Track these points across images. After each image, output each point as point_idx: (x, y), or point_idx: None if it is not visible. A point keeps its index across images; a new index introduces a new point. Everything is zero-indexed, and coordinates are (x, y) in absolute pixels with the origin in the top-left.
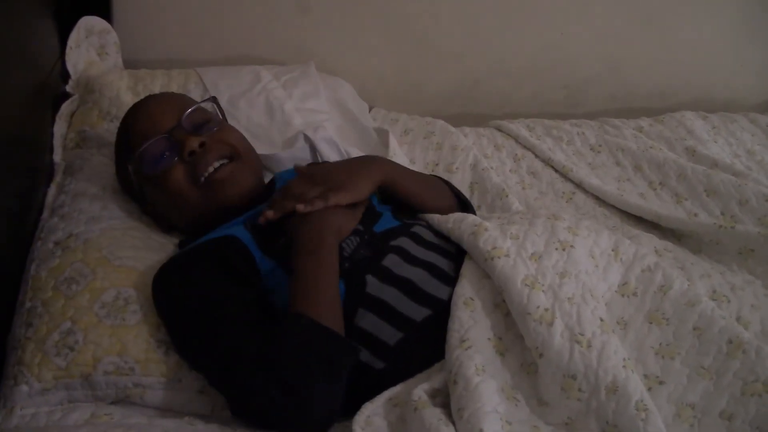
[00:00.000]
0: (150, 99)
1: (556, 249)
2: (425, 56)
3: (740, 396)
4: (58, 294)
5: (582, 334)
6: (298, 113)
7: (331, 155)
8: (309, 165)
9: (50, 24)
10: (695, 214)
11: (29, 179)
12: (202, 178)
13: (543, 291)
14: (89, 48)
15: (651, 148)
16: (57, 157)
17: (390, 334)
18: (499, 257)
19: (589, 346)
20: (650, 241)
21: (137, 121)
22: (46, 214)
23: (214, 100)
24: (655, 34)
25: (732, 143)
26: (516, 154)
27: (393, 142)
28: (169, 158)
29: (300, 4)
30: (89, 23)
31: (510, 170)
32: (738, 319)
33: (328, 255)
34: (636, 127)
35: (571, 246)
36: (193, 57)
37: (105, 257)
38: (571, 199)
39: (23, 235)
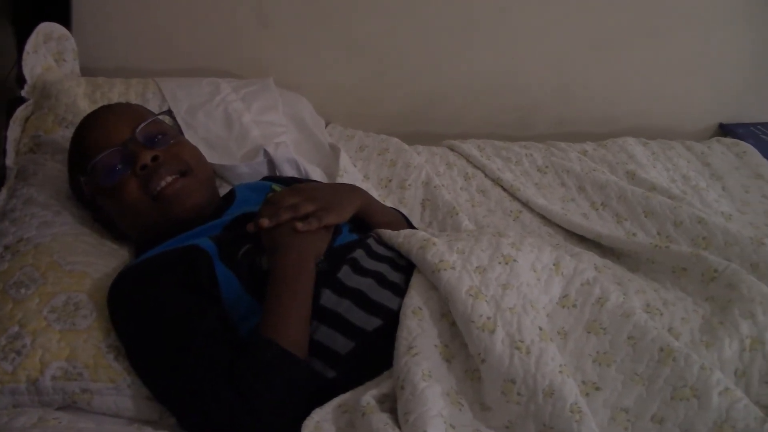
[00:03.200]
0: (105, 109)
1: (500, 263)
2: (381, 75)
3: (670, 400)
4: (6, 298)
5: (522, 341)
6: (255, 126)
7: (290, 173)
8: (297, 183)
9: (8, 29)
10: (634, 234)
11: None
12: (155, 192)
13: (486, 301)
14: (47, 53)
15: (594, 170)
16: (9, 161)
17: (342, 344)
18: (445, 269)
19: (528, 352)
20: (591, 258)
21: (91, 132)
22: None
23: (169, 113)
24: (601, 62)
25: (669, 168)
26: (467, 173)
27: (344, 159)
28: (122, 171)
29: (260, 19)
30: (48, 29)
31: (461, 188)
32: (669, 330)
33: (308, 281)
34: (581, 151)
35: (514, 260)
36: (152, 67)
37: (56, 262)
38: (518, 217)
39: None
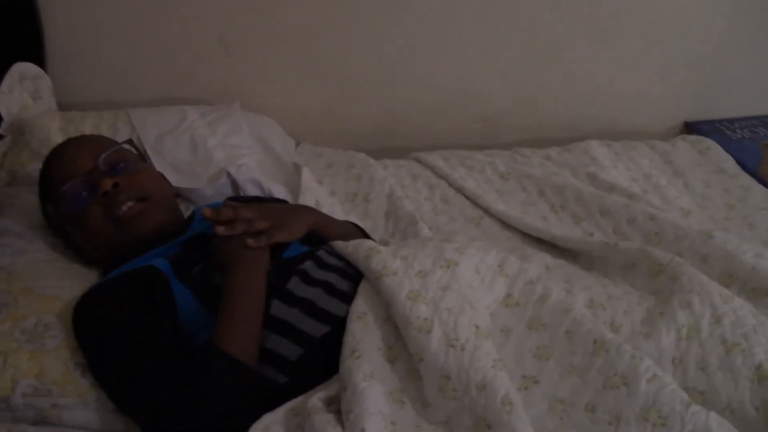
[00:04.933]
0: (68, 142)
1: (441, 267)
2: (345, 93)
3: (602, 389)
4: None
5: (456, 339)
6: (220, 149)
7: (254, 193)
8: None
9: None
10: (591, 234)
11: None
12: (116, 217)
13: (425, 303)
14: (23, 93)
15: (555, 174)
16: None
17: (291, 351)
18: (387, 275)
19: (463, 349)
20: (542, 258)
21: (56, 164)
22: None
23: (130, 142)
24: (558, 69)
25: (631, 168)
26: (431, 184)
27: (306, 177)
28: (85, 198)
29: (223, 47)
30: (22, 69)
31: (425, 198)
32: (611, 323)
33: (257, 293)
34: (545, 156)
35: (456, 264)
36: (125, 98)
37: (28, 287)
38: (479, 223)
39: None
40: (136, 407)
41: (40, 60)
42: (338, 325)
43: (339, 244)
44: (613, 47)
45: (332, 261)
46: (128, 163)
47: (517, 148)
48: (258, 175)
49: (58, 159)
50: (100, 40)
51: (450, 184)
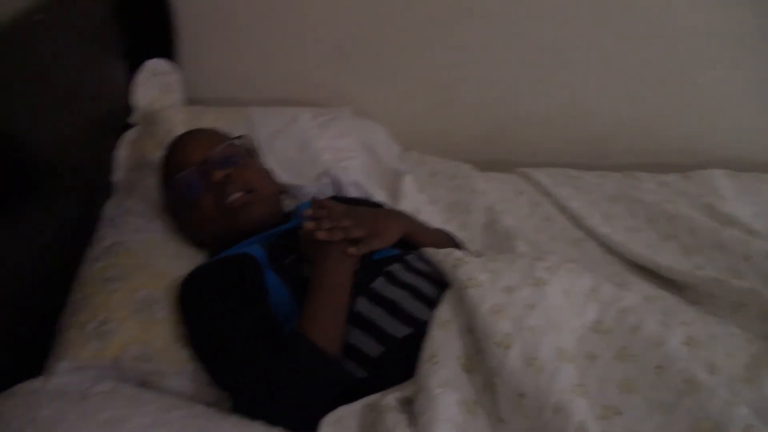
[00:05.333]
0: (187, 134)
1: (530, 284)
2: (454, 104)
3: (687, 430)
4: (100, 290)
5: (535, 359)
6: (327, 150)
7: (354, 194)
8: (348, 204)
9: (121, 65)
10: (702, 268)
11: (91, 194)
12: (224, 205)
13: (508, 319)
14: (155, 86)
15: (667, 202)
16: (117, 177)
17: (373, 348)
18: (472, 287)
19: (542, 369)
20: (642, 287)
21: (175, 153)
22: (101, 224)
23: (243, 138)
24: (682, 92)
25: (757, 203)
26: (535, 200)
27: (406, 184)
28: (199, 187)
29: (340, 52)
30: (155, 65)
31: (526, 215)
32: (710, 364)
33: (345, 292)
34: (660, 182)
35: (546, 283)
36: (245, 96)
37: (142, 263)
38: (580, 245)
39: (82, 241)
40: (227, 382)
41: (172, 57)
42: (421, 329)
43: (429, 251)
44: (744, 73)
45: (420, 266)
46: (239, 157)
47: (631, 172)
48: (360, 178)
49: (177, 148)
50: (227, 42)
51: (554, 203)
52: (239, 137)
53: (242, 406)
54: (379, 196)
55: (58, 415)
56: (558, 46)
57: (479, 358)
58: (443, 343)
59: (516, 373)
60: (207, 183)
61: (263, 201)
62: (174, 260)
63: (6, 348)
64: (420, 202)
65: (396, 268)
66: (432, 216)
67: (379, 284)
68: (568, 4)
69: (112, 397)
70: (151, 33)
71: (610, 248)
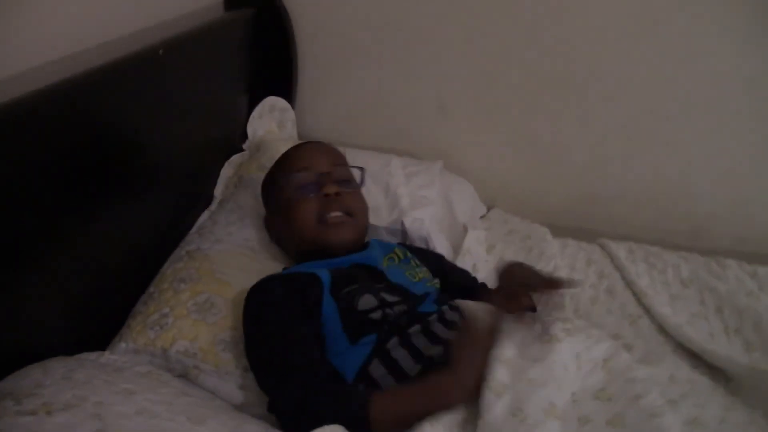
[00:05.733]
0: (317, 143)
1: (542, 341)
2: (545, 169)
3: None
4: (171, 287)
5: (521, 410)
6: (407, 197)
7: (419, 245)
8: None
9: (244, 98)
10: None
11: (194, 203)
12: (324, 217)
13: (509, 368)
14: (271, 120)
15: (747, 294)
16: (218, 192)
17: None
18: None
19: (523, 420)
20: (674, 366)
21: (300, 155)
22: (192, 231)
23: (361, 169)
24: None
25: None
26: (603, 272)
27: (469, 241)
28: (311, 191)
29: (441, 110)
30: (273, 102)
31: (589, 285)
32: None
33: (440, 406)
34: (750, 272)
35: (558, 341)
36: (350, 140)
37: (212, 269)
38: (635, 322)
39: (173, 243)
40: (271, 389)
41: (290, 97)
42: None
43: (464, 303)
44: None
45: (454, 318)
46: (351, 181)
47: (720, 258)
48: (427, 232)
49: (303, 151)
50: (340, 88)
51: (623, 277)
52: (360, 167)
53: (273, 409)
54: (442, 247)
55: (87, 378)
56: (659, 121)
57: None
58: None
59: (498, 422)
60: (318, 191)
61: (355, 228)
62: (240, 272)
63: (96, 322)
64: (480, 259)
65: (433, 323)
66: (491, 273)
67: (414, 330)
68: (680, 76)
69: (141, 376)
70: (275, 73)
71: (663, 329)
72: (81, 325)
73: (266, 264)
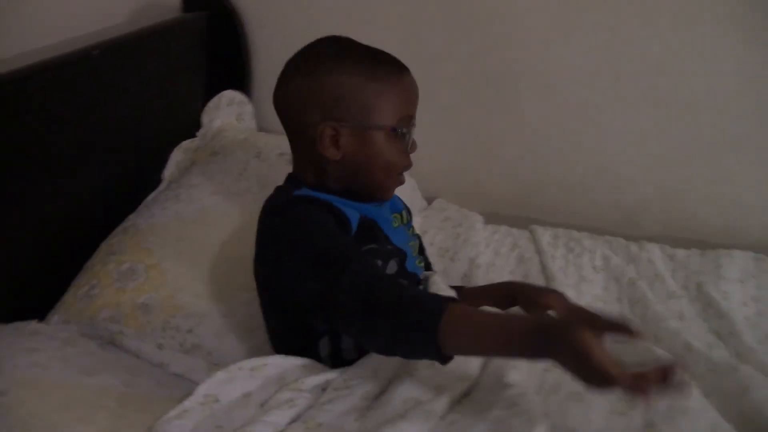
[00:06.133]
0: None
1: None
2: (485, 160)
3: None
4: (101, 260)
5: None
6: None
7: None
8: None
9: (200, 92)
10: None
11: (145, 185)
12: (400, 177)
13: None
14: (230, 114)
15: (652, 281)
16: (166, 174)
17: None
18: None
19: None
20: None
21: (411, 89)
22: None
23: None
24: (709, 170)
25: (762, 286)
26: (524, 257)
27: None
28: (408, 134)
29: None
30: (231, 96)
31: (509, 272)
32: None
33: (506, 351)
34: (670, 255)
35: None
36: None
37: (138, 240)
38: None
39: (117, 220)
40: (330, 286)
41: (247, 91)
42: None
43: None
44: None
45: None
46: None
47: (644, 242)
48: None
49: (414, 88)
50: None
51: (540, 261)
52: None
53: (334, 305)
54: None
55: (5, 341)
56: (580, 111)
57: None
58: None
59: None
60: (408, 141)
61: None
62: (161, 240)
63: (38, 297)
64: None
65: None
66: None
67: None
68: (607, 69)
69: (53, 339)
70: (231, 70)
71: None
72: (22, 304)
73: (191, 231)
